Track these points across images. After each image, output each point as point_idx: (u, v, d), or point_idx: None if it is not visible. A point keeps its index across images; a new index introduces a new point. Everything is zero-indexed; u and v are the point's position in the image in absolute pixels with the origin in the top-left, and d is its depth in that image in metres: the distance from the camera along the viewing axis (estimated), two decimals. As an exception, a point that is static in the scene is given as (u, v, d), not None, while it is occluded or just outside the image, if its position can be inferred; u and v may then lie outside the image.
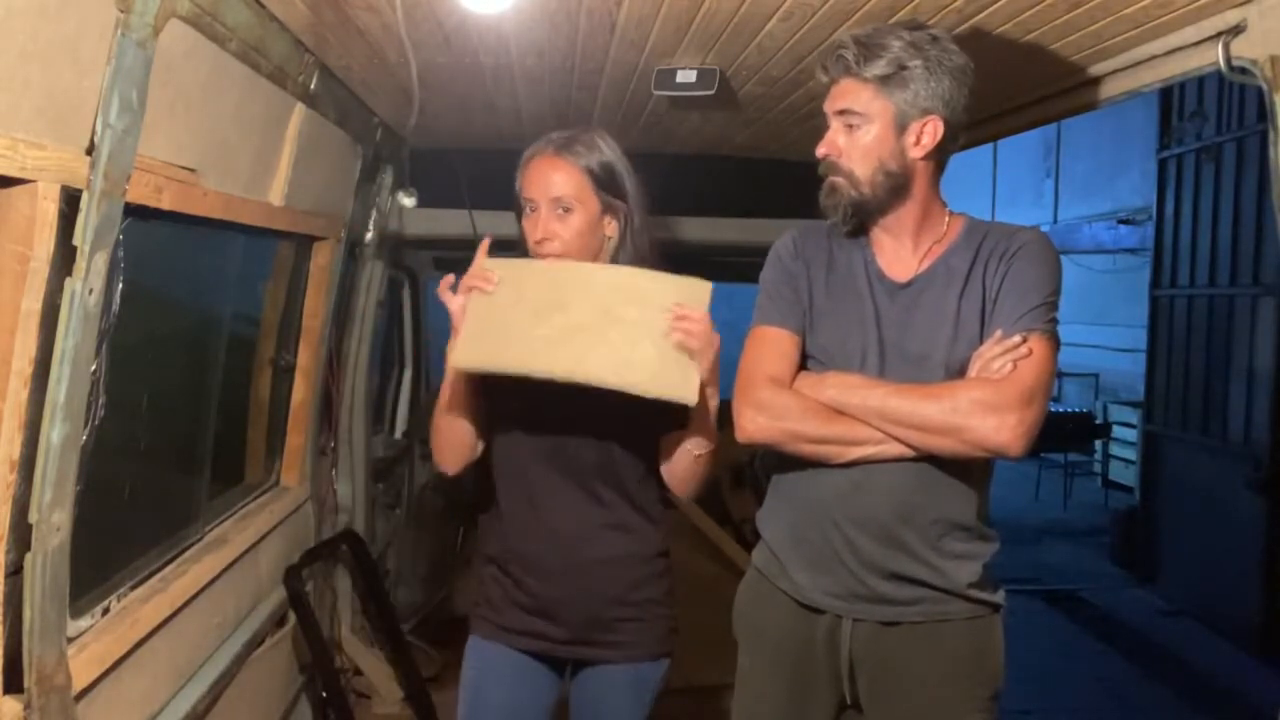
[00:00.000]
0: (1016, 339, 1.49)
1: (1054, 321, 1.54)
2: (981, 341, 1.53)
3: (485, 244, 1.66)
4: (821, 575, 1.60)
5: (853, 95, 1.53)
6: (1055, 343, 1.53)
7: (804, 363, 1.65)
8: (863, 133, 1.53)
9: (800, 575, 1.63)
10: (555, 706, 1.85)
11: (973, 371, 1.52)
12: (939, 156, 1.58)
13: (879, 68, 1.50)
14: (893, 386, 1.53)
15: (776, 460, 1.69)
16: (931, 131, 1.53)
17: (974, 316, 1.55)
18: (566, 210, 1.71)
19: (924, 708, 1.59)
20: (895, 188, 1.56)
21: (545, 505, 1.75)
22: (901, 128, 1.53)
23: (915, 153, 1.54)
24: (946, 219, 1.63)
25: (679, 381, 1.50)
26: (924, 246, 1.61)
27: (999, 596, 1.62)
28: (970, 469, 1.56)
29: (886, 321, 1.59)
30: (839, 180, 1.57)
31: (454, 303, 1.61)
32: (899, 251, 1.62)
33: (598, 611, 1.75)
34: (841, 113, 1.55)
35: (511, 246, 1.90)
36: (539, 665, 1.80)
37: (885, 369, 1.57)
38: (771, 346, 1.63)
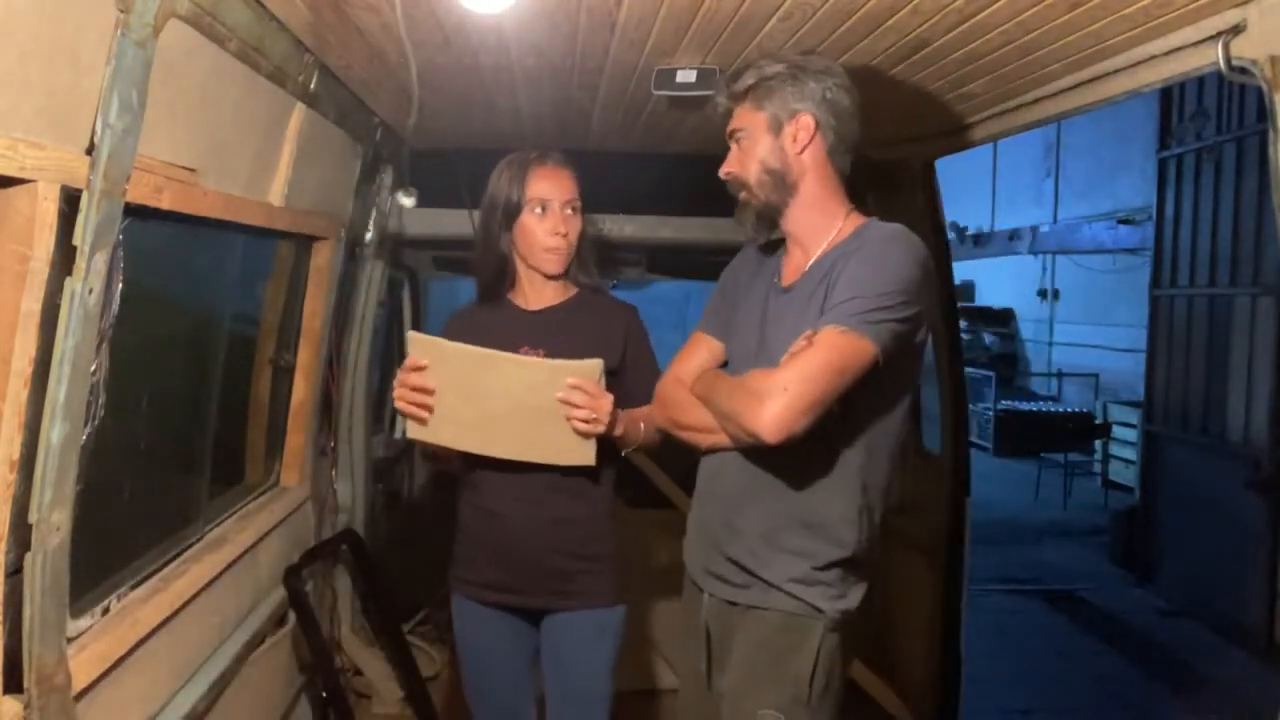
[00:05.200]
0: (806, 334, 1.51)
1: (865, 315, 1.48)
2: None
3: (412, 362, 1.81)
4: (694, 551, 1.78)
5: (735, 117, 1.70)
6: (855, 336, 1.47)
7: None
8: (748, 144, 1.69)
9: (686, 551, 1.81)
10: (533, 654, 2.07)
11: None
12: (828, 157, 1.67)
13: (745, 82, 1.67)
14: (722, 381, 1.65)
15: None
16: (804, 126, 1.64)
17: (816, 316, 1.56)
18: (574, 211, 2.00)
19: (731, 690, 1.66)
20: (779, 185, 1.67)
21: (514, 474, 1.93)
22: (776, 130, 1.66)
23: (793, 149, 1.65)
24: (842, 223, 1.68)
25: (578, 452, 1.81)
26: (815, 250, 1.68)
27: (832, 604, 1.59)
28: (811, 464, 1.58)
29: (769, 324, 1.69)
30: (742, 194, 1.71)
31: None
32: (795, 257, 1.72)
33: (556, 564, 1.97)
34: (730, 135, 1.71)
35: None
36: (510, 617, 2.03)
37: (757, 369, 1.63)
38: (688, 348, 1.82)
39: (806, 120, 1.64)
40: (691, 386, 1.72)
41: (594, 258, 2.07)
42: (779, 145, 1.65)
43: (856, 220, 1.69)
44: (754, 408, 1.48)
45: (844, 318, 1.49)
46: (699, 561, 1.75)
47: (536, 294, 2.04)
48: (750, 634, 1.65)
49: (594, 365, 1.77)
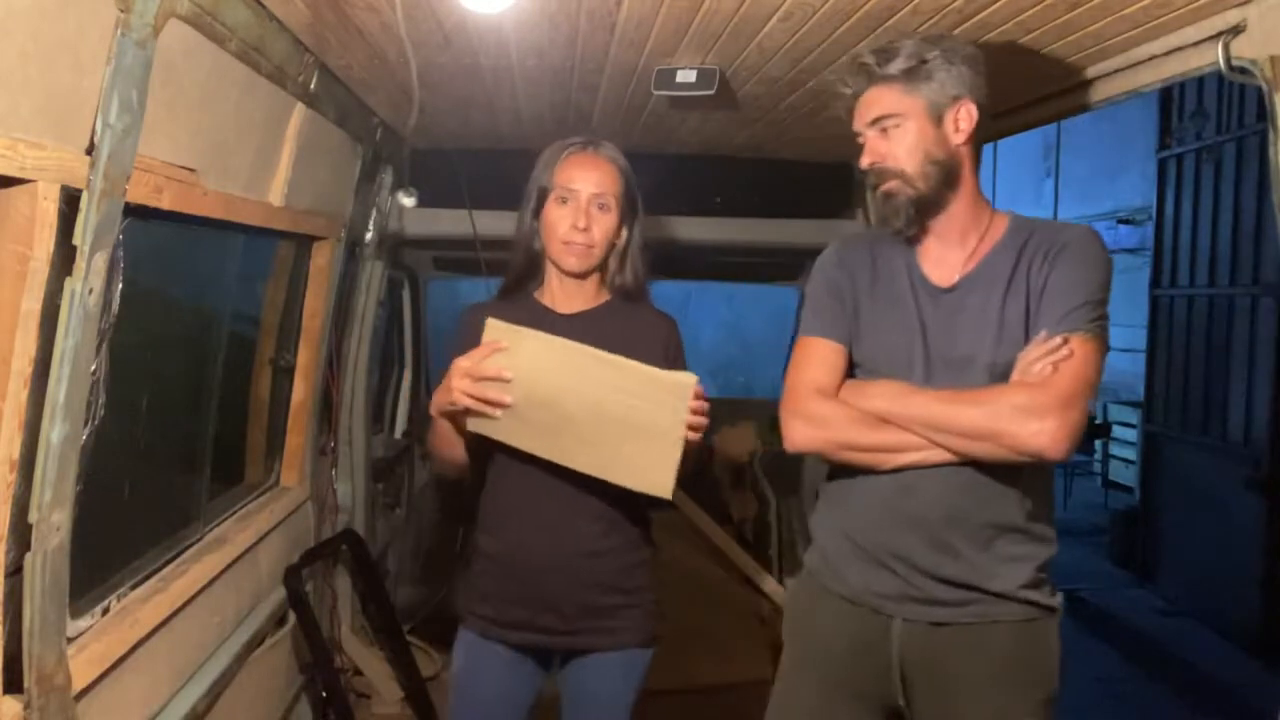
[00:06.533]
0: (1057, 340, 1.48)
1: (1099, 320, 1.52)
2: (1026, 343, 1.52)
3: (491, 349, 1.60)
4: (872, 576, 1.62)
5: (882, 101, 1.57)
6: (1100, 343, 1.51)
7: (853, 371, 1.66)
8: (902, 131, 1.57)
9: (852, 576, 1.65)
10: (537, 700, 1.91)
11: (1016, 375, 1.51)
12: (976, 144, 1.60)
13: (900, 64, 1.55)
14: (936, 394, 1.54)
15: (826, 466, 1.72)
16: (967, 115, 1.57)
17: (1018, 318, 1.54)
18: (603, 207, 1.81)
19: (974, 710, 1.58)
20: (946, 177, 1.58)
21: (540, 502, 1.78)
22: (937, 118, 1.56)
23: (957, 139, 1.58)
24: (990, 217, 1.63)
25: (659, 481, 1.56)
26: (969, 247, 1.61)
27: (1055, 599, 1.62)
28: (1020, 471, 1.54)
29: (931, 327, 1.59)
30: (893, 184, 1.59)
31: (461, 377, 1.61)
32: (943, 254, 1.62)
33: (593, 600, 1.80)
34: (875, 121, 1.59)
35: (506, 245, 1.94)
36: (527, 659, 1.86)
37: (930, 375, 1.57)
38: (817, 357, 1.65)
39: (971, 108, 1.57)
40: (866, 403, 1.58)
41: (642, 265, 1.90)
42: (941, 134, 1.57)
43: (1001, 214, 1.64)
44: (1031, 424, 1.43)
45: (1085, 324, 1.49)
46: (886, 588, 1.60)
47: (567, 296, 1.86)
48: (982, 651, 1.57)
49: (692, 379, 1.56)
